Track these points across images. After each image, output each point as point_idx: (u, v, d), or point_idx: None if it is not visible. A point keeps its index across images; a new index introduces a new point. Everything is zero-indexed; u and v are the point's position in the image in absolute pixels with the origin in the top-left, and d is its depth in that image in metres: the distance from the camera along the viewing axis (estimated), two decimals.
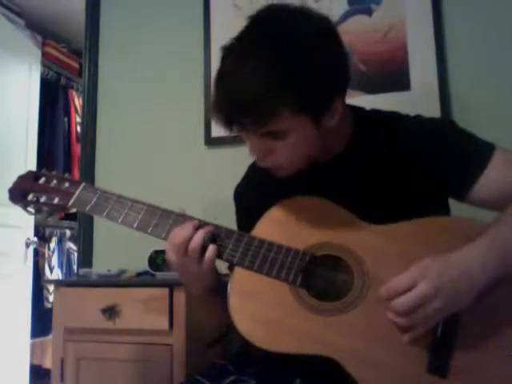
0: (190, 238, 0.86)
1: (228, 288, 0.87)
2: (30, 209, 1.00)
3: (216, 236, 0.88)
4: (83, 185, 0.99)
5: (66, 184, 1.00)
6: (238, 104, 0.79)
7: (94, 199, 0.96)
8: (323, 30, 0.83)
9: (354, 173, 0.92)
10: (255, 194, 1.03)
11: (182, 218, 0.91)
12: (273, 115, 0.78)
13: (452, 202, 0.94)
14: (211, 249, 0.87)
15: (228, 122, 0.82)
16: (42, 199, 0.99)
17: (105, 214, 0.95)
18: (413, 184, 0.89)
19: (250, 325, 0.82)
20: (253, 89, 0.77)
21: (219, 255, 0.88)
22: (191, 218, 0.91)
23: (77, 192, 0.98)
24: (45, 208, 0.99)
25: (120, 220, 0.93)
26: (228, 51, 0.83)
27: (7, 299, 2.60)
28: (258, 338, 0.81)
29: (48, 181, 1.01)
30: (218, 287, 0.93)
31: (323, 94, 0.81)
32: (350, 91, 1.74)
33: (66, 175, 1.03)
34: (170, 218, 0.92)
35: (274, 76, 0.76)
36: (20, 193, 1.00)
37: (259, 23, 0.83)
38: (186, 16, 2.00)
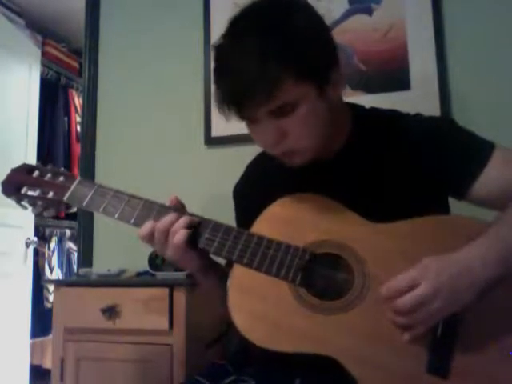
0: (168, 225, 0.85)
1: (227, 284, 0.86)
2: (24, 203, 0.97)
3: (198, 225, 0.87)
4: (79, 179, 0.96)
5: (61, 178, 0.97)
6: (241, 85, 0.78)
7: (90, 194, 0.93)
8: (311, 11, 0.86)
9: (354, 171, 0.92)
10: (254, 191, 1.02)
11: (179, 213, 0.89)
12: (276, 85, 0.77)
13: (452, 200, 0.94)
14: (181, 233, 0.85)
15: (234, 109, 0.81)
16: (36, 193, 0.95)
17: (101, 209, 0.92)
18: (412, 182, 0.89)
19: (249, 323, 0.82)
20: (251, 66, 0.77)
21: (218, 252, 0.87)
22: (189, 215, 0.89)
23: (72, 186, 0.95)
24: (39, 202, 0.95)
25: (117, 215, 0.91)
26: (220, 48, 0.84)
27: (7, 299, 2.60)
28: (256, 336, 0.80)
29: (42, 174, 0.98)
30: (207, 273, 0.94)
31: (321, 61, 0.82)
32: (350, 91, 1.73)
33: (61, 169, 0.99)
34: (168, 214, 0.89)
35: (269, 48, 0.77)
36: (13, 186, 0.97)
37: (246, 15, 0.86)
38: (185, 16, 1.99)
